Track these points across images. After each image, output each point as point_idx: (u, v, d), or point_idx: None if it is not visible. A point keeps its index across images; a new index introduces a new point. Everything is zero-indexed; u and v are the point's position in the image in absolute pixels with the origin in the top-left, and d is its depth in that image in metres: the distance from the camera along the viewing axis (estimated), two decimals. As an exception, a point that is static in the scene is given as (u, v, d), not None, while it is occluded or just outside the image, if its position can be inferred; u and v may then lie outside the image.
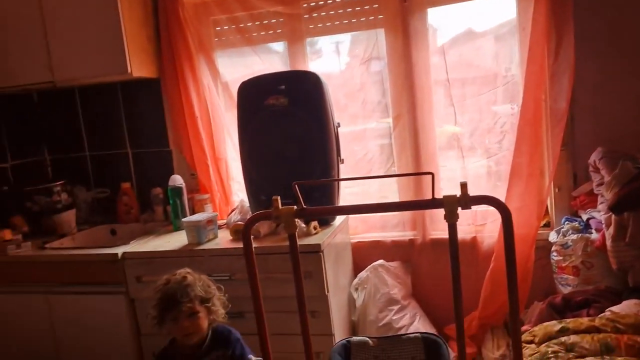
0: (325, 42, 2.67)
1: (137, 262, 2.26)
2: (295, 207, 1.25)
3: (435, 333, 1.87)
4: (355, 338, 1.77)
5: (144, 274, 2.25)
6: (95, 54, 2.43)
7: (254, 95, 2.31)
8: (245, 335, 1.83)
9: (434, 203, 1.19)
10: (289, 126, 2.27)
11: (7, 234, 2.49)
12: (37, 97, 2.96)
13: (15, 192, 2.69)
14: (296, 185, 1.21)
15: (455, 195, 1.17)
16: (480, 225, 2.47)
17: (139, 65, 2.48)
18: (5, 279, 2.43)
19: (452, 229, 1.21)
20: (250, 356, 1.69)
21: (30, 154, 2.92)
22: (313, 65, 2.63)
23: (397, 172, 2.60)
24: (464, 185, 1.17)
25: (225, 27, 2.69)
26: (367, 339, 1.76)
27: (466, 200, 1.17)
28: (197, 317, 1.65)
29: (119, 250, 2.29)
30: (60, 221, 2.69)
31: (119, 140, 2.89)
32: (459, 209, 1.18)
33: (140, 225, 2.77)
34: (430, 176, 1.21)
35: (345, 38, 2.64)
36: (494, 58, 2.44)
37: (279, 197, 1.25)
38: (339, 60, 2.71)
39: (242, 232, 1.27)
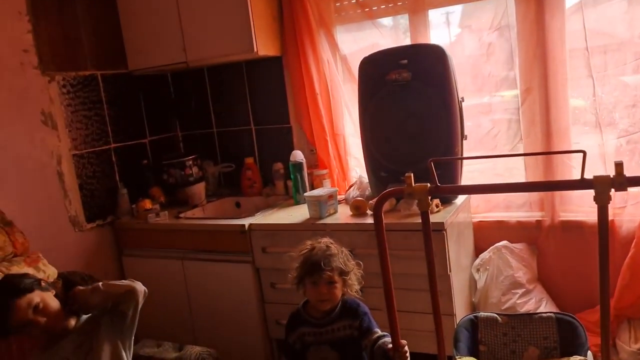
0: (434, 14, 2.55)
1: (263, 234, 2.38)
2: (428, 184, 1.23)
3: (571, 314, 1.76)
4: (482, 313, 1.73)
5: (269, 245, 2.36)
6: (225, 35, 2.55)
7: (376, 71, 2.29)
8: (367, 309, 1.86)
9: (583, 183, 1.11)
10: (411, 101, 2.22)
11: (148, 204, 2.72)
12: (170, 77, 3.18)
13: (154, 166, 2.94)
14: (431, 163, 1.18)
15: (609, 176, 1.08)
16: (619, 208, 2.27)
17: (264, 44, 2.57)
18: (146, 244, 2.68)
19: (603, 212, 1.11)
20: (377, 329, 1.71)
21: (164, 130, 3.16)
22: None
23: (524, 150, 2.44)
24: (619, 165, 1.07)
25: (345, 2, 2.68)
26: (496, 315, 1.72)
27: (621, 181, 1.07)
28: (334, 286, 1.70)
29: (246, 222, 2.41)
30: (192, 193, 2.89)
31: (243, 117, 3.03)
32: (612, 190, 1.09)
33: (262, 198, 2.90)
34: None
35: (455, 9, 2.52)
36: (628, 23, 2.19)
37: (412, 174, 1.23)
38: (449, 32, 2.59)
39: (374, 208, 1.27)
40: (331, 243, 1.75)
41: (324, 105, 2.72)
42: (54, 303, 1.54)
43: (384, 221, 2.14)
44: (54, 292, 1.57)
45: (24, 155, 2.36)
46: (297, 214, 2.46)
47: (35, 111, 2.42)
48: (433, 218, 2.10)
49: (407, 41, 2.57)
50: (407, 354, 1.49)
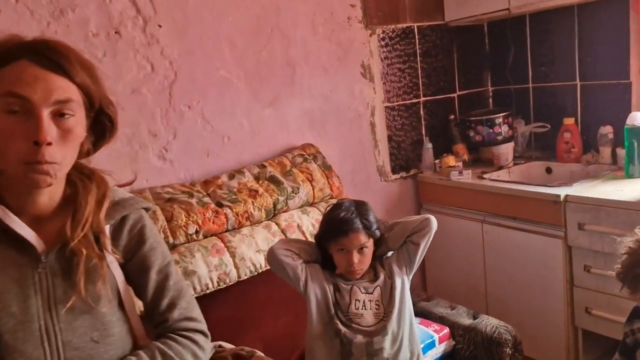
0: None
1: (581, 208, 2.04)
2: None
3: None
4: None
5: (588, 222, 2.02)
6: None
7: None
8: None
9: None
10: None
11: (451, 160, 2.65)
12: (487, 28, 2.97)
13: (461, 121, 2.83)
14: None
15: None
16: None
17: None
18: (446, 200, 2.62)
19: None
20: None
21: (475, 84, 3.00)
22: None
23: None
24: None
25: None
26: None
27: None
28: None
29: (562, 192, 2.11)
30: (499, 153, 2.69)
31: (567, 71, 2.63)
32: None
33: (580, 166, 2.51)
34: None
35: None
36: None
37: None
38: None
39: None
40: None
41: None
42: (370, 254, 1.58)
43: None
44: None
45: (344, 106, 2.54)
46: (629, 189, 2.03)
47: (356, 64, 2.55)
48: None
49: None
50: None
